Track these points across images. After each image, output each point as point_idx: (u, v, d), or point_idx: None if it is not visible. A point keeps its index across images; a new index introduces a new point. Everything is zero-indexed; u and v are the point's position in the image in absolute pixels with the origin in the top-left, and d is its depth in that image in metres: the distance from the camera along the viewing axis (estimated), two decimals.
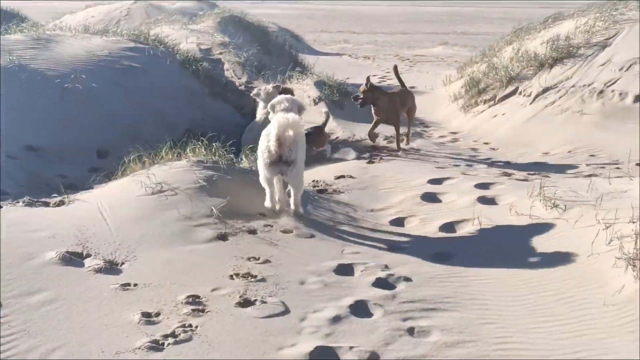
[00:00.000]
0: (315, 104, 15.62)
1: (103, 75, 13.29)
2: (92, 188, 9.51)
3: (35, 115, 11.45)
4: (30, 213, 8.36)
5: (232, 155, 9.84)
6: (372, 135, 12.96)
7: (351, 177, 10.54)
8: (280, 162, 8.06)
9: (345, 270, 7.10)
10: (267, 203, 8.60)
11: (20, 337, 5.53)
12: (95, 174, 10.14)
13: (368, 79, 12.72)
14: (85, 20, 26.42)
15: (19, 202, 8.80)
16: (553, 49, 16.18)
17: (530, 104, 15.30)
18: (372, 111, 12.76)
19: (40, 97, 11.99)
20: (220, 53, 19.95)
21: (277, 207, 8.63)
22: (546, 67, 16.03)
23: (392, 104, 12.71)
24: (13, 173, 10.08)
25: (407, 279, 6.82)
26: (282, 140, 7.94)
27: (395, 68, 13.82)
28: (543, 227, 7.96)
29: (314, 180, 10.35)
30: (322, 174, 10.91)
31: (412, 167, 11.13)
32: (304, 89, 16.35)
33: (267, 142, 8.09)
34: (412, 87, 19.69)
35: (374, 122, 12.88)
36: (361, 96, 12.52)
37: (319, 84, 16.48)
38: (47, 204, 8.80)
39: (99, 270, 6.79)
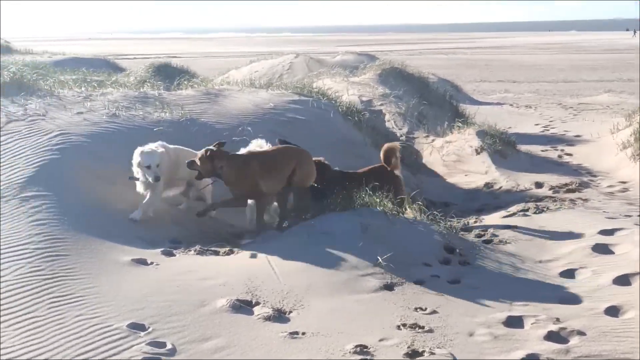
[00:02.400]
0: (478, 153, 15.47)
1: (268, 127, 13.61)
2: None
3: None
4: (202, 261, 8.65)
5: (396, 206, 9.83)
6: None
7: (517, 227, 10.31)
8: None
9: (514, 322, 6.91)
10: None
11: None
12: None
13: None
14: (250, 74, 27.25)
15: (190, 251, 9.12)
16: None
17: None
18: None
19: None
20: (381, 104, 20.11)
21: None
22: None
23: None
24: (184, 222, 10.43)
25: (581, 333, 6.55)
26: None
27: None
28: None
29: (481, 229, 10.21)
30: (487, 222, 10.76)
31: (581, 217, 10.75)
32: (466, 139, 16.24)
33: None
34: (578, 136, 19.24)
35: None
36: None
37: (481, 134, 16.33)
38: (217, 253, 9.08)
39: (268, 319, 6.92)
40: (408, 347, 6.26)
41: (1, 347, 6.16)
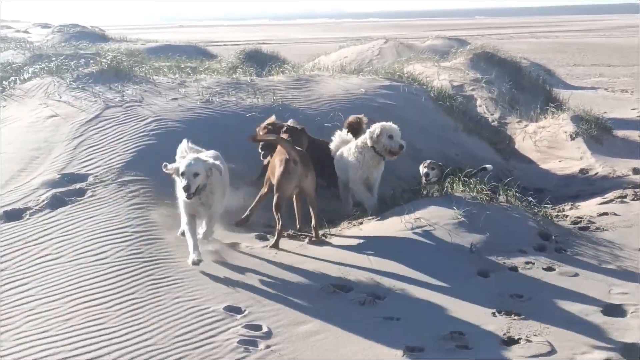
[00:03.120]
0: (572, 139, 15.17)
1: (360, 113, 13.57)
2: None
3: None
4: (294, 245, 8.72)
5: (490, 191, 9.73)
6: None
7: (615, 214, 10.08)
8: None
9: (613, 311, 6.79)
10: None
11: None
12: (355, 208, 10.37)
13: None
14: (339, 60, 27.26)
15: (283, 235, 9.21)
16: None
17: None
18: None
19: None
20: (473, 89, 19.88)
21: None
22: None
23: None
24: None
25: None
26: None
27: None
28: None
29: (576, 217, 10.04)
30: (584, 210, 10.56)
31: None
32: (560, 124, 15.93)
33: None
34: None
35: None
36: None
37: (575, 119, 15.99)
38: (309, 237, 9.14)
39: (361, 303, 6.95)
40: (504, 334, 6.22)
41: (104, 326, 6.36)
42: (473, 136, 15.16)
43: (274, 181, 8.88)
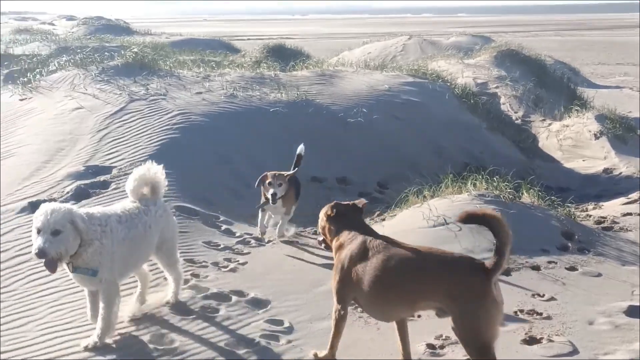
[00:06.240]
0: (597, 138, 15.09)
1: (383, 109, 13.63)
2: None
3: (320, 148, 11.95)
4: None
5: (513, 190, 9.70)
6: None
7: (639, 214, 10.02)
8: None
9: (637, 312, 6.74)
10: None
11: None
12: (377, 205, 10.37)
13: None
14: (363, 56, 27.25)
15: (307, 229, 9.24)
16: None
17: None
18: None
19: (325, 131, 12.50)
20: (497, 87, 19.83)
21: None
22: None
23: None
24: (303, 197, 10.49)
25: None
26: None
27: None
28: None
29: (599, 216, 9.98)
30: (608, 210, 10.50)
31: None
32: (584, 123, 15.85)
33: None
34: None
35: None
36: None
37: (600, 118, 15.91)
38: None
39: None
40: (526, 334, 6.20)
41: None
42: (497, 134, 15.12)
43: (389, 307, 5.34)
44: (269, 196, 8.40)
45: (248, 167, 10.75)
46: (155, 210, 6.42)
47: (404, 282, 5.08)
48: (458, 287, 4.85)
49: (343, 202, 5.83)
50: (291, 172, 8.81)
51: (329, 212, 5.71)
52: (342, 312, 5.40)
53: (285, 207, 8.67)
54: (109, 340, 5.90)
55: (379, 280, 5.13)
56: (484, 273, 4.81)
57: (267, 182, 8.49)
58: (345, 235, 5.55)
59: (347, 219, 5.69)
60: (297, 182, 8.98)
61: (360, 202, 5.88)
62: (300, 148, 9.11)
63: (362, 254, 5.30)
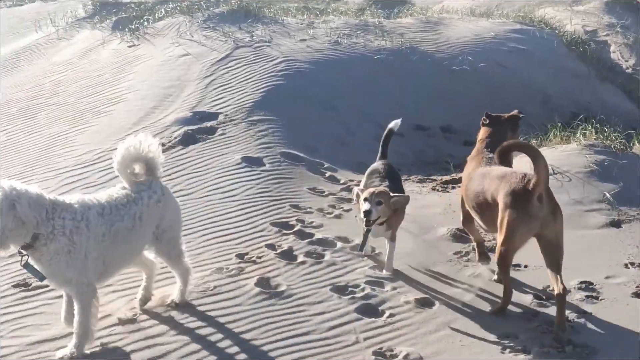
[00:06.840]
0: None
1: (489, 57, 13.37)
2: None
3: (425, 95, 11.84)
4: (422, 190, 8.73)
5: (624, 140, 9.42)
6: None
7: None
8: None
9: None
10: None
11: None
12: None
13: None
14: (468, 3, 26.69)
15: (410, 179, 9.22)
16: None
17: None
18: None
19: (429, 78, 12.36)
20: (607, 35, 19.13)
21: None
22: None
23: None
24: (401, 150, 10.43)
25: None
26: None
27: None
28: None
29: None
30: None
31: None
32: None
33: None
34: None
35: None
36: None
37: None
38: (435, 181, 9.13)
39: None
40: (637, 287, 6.08)
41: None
42: (606, 83, 14.65)
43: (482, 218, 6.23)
44: (361, 213, 6.31)
45: (352, 115, 10.75)
46: (148, 197, 5.35)
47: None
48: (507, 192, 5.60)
49: None
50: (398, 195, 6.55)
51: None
52: None
53: (390, 229, 6.56)
54: (87, 351, 5.04)
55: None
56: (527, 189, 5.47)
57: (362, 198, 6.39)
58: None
59: None
60: (394, 173, 7.16)
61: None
62: (395, 123, 7.58)
63: None
